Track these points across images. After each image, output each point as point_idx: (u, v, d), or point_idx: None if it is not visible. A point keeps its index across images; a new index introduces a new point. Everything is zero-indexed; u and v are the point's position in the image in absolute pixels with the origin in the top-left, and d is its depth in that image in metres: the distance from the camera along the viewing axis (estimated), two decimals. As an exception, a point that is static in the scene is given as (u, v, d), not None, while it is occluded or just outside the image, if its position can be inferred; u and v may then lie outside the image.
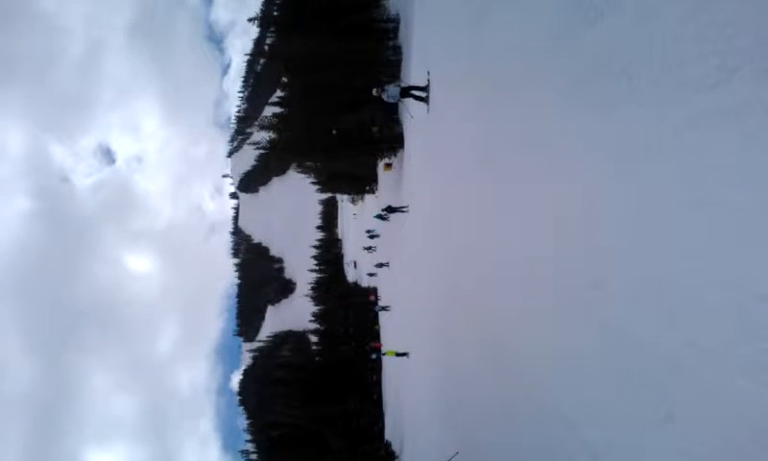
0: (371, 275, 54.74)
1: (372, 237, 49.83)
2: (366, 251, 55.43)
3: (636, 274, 4.37)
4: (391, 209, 29.98)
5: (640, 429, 4.17)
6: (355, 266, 74.83)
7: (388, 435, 38.65)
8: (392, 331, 33.99)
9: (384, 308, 35.95)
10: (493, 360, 9.10)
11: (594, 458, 5.02)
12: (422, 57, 23.56)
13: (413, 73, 27.63)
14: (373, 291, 54.71)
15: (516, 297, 8.05)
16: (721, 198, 3.35)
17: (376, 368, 49.20)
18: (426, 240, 19.03)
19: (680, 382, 3.65)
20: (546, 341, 6.60)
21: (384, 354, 28.99)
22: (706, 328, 3.41)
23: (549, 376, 6.44)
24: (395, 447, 34.79)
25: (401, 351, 25.08)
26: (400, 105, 24.04)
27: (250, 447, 77.91)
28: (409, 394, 25.52)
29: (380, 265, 44.32)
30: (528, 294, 7.42)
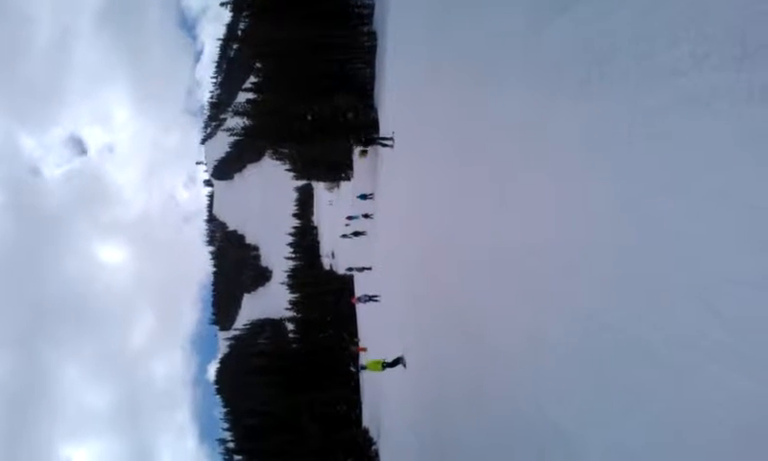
0: (350, 270, 48.98)
1: (352, 232, 42.89)
2: (346, 237, 51.78)
3: (608, 260, 4.39)
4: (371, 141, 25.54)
5: (612, 413, 4.21)
6: (333, 256, 74.01)
7: (366, 422, 38.81)
8: (372, 326, 33.02)
9: (372, 298, 30.43)
10: (469, 346, 9.16)
11: (565, 441, 5.07)
12: (397, 44, 23.42)
13: (387, 60, 27.47)
14: (352, 292, 48.17)
15: (490, 285, 8.08)
16: (690, 184, 3.37)
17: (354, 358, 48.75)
18: (404, 231, 19.01)
19: (650, 367, 3.68)
20: (520, 328, 6.64)
21: (365, 368, 20.07)
22: (676, 314, 3.44)
23: (522, 361, 6.48)
24: (372, 433, 34.97)
25: (391, 360, 17.40)
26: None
27: (227, 435, 77.58)
28: (387, 381, 25.56)
29: (362, 269, 38.43)
30: (502, 282, 7.45)
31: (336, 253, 68.82)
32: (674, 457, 3.42)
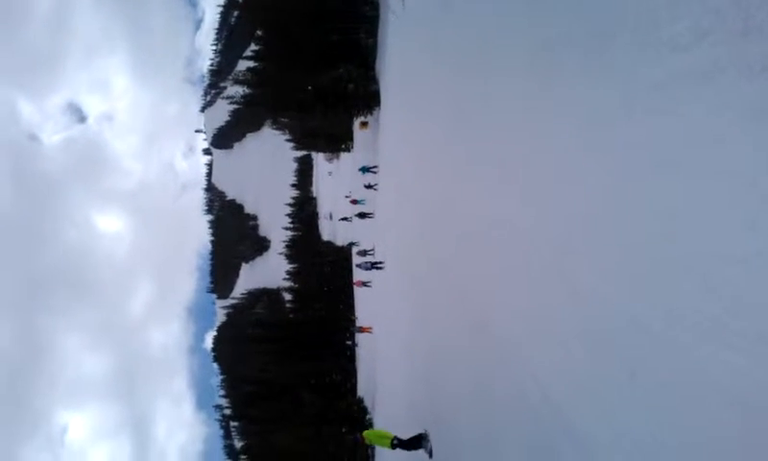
0: (351, 245, 45.70)
1: (357, 213, 37.32)
2: (346, 220, 48.22)
3: (604, 237, 4.39)
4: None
5: (605, 387, 4.24)
6: (331, 217, 73.77)
7: (360, 391, 39.28)
8: (370, 308, 32.21)
9: (375, 265, 26.62)
10: (466, 320, 9.22)
11: (557, 412, 5.13)
12: (398, 14, 23.08)
13: (389, 30, 27.11)
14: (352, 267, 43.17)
15: (488, 261, 8.11)
16: (689, 161, 3.35)
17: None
18: (406, 205, 18.96)
19: (644, 342, 3.69)
20: (517, 303, 6.67)
21: (362, 439, 13.58)
22: (671, 291, 3.44)
23: (518, 335, 6.53)
24: (367, 402, 35.42)
25: (407, 438, 11.76)
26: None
27: (223, 402, 78.69)
28: (382, 351, 25.76)
29: (365, 252, 33.46)
30: (500, 258, 7.47)
31: (334, 214, 68.46)
32: (671, 439, 3.44)
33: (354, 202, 39.44)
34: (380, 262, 26.36)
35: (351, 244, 45.65)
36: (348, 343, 39.99)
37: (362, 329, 34.48)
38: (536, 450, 5.71)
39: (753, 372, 2.78)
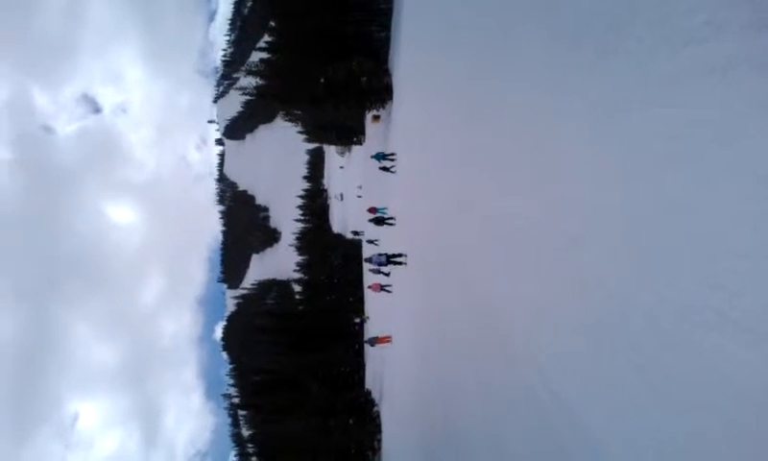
0: (356, 233, 42.87)
1: (372, 219, 29.01)
2: (357, 234, 46.63)
3: (615, 229, 4.39)
4: None
5: (613, 381, 4.25)
6: (342, 198, 73.37)
7: (368, 383, 39.40)
8: (380, 303, 31.12)
9: (392, 259, 21.91)
10: (474, 312, 9.22)
11: (564, 408, 5.14)
12: (412, 7, 23.03)
13: (402, 23, 27.02)
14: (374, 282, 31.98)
15: (497, 252, 8.10)
16: (701, 155, 3.34)
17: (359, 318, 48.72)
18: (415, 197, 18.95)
19: (652, 335, 3.71)
20: (525, 294, 6.68)
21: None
22: (678, 283, 3.45)
23: (527, 328, 6.53)
24: (374, 395, 35.53)
25: None
26: None
27: (232, 391, 79.26)
28: (391, 346, 25.79)
29: (389, 258, 22.53)
30: (508, 249, 7.47)
31: (345, 195, 68.30)
32: (679, 432, 3.44)
33: (373, 210, 31.04)
34: (399, 255, 21.97)
35: (356, 233, 43.37)
36: (356, 320, 38.17)
37: (378, 340, 28.45)
38: (542, 444, 5.73)
39: (760, 366, 2.79)
